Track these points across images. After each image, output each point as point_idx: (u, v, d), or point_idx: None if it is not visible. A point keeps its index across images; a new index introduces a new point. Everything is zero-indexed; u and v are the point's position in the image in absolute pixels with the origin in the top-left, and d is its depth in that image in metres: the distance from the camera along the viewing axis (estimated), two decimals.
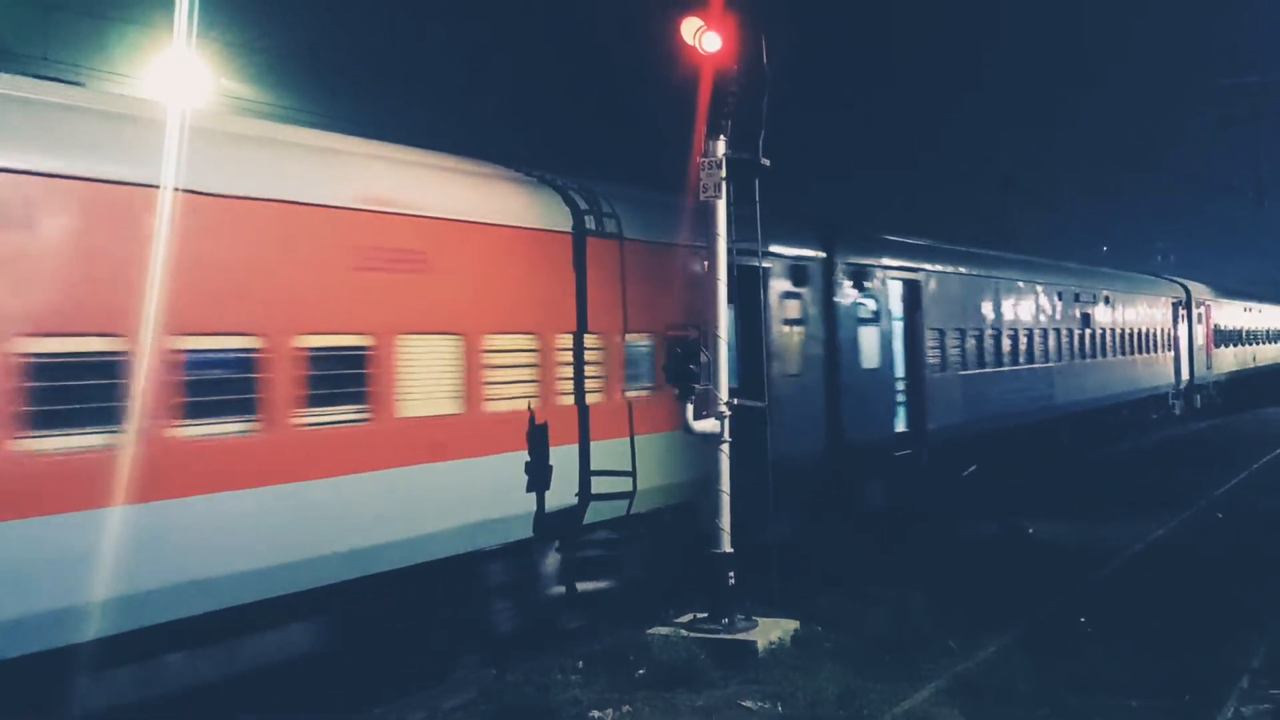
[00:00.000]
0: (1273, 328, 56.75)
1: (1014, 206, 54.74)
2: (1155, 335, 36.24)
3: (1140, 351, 34.68)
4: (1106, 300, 31.78)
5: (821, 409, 17.71)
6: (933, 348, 21.32)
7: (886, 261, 20.16)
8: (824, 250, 18.03)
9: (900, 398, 20.67)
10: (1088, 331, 30.19)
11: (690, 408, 12.24)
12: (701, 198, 12.48)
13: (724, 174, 12.40)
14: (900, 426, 20.37)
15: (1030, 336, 26.37)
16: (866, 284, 19.11)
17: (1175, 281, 40.99)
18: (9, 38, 21.34)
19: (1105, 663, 11.27)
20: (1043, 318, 27.20)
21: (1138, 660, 11.35)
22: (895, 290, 20.35)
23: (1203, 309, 41.45)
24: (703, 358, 12.20)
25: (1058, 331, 28.09)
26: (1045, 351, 27.21)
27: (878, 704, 10.17)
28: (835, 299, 18.19)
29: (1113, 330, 32.22)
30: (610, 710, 10.33)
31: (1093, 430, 30.66)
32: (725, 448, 12.36)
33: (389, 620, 10.66)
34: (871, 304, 19.43)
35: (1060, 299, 28.54)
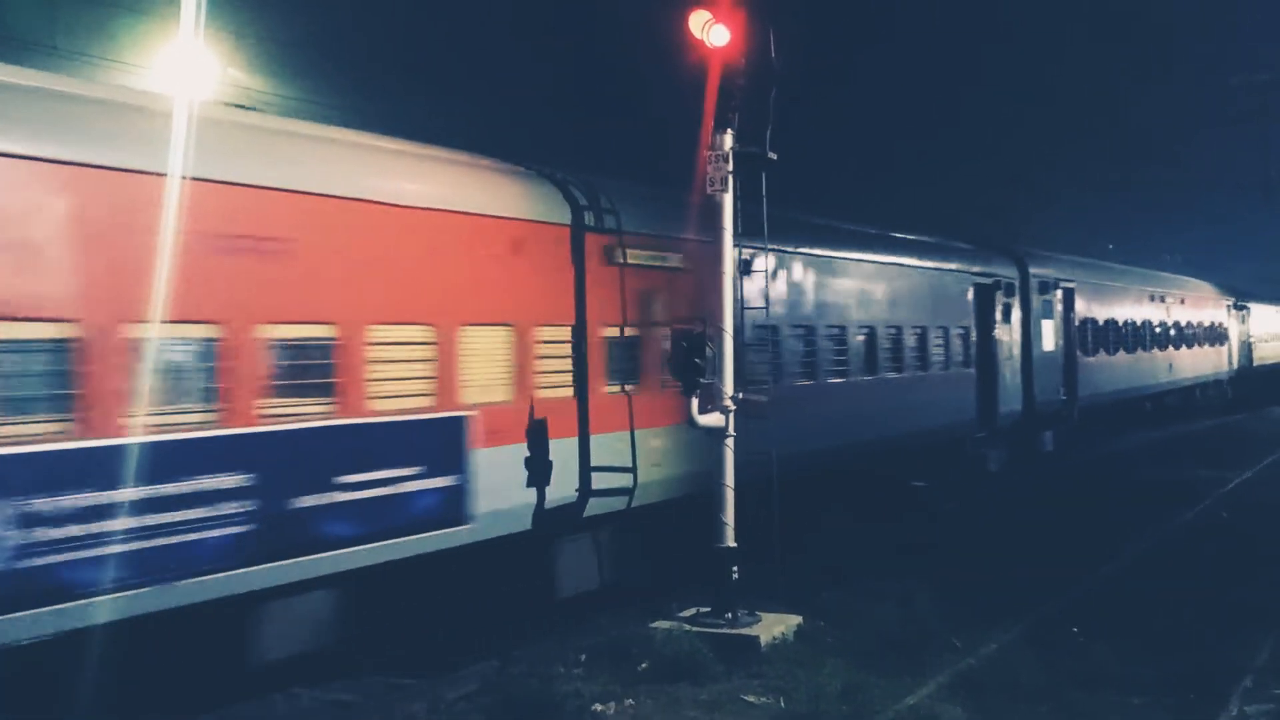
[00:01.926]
0: (1207, 322, 40.41)
1: (1019, 202, 54.85)
2: (926, 338, 20.68)
3: (882, 368, 19.17)
4: (792, 271, 16.89)
5: None
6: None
7: None
8: None
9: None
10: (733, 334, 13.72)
11: (695, 402, 12.25)
12: (708, 191, 12.45)
13: (730, 167, 12.37)
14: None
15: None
16: None
17: (1004, 252, 25.31)
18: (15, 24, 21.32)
19: (1109, 660, 11.26)
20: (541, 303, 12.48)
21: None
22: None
23: (1056, 296, 26.95)
24: (708, 352, 12.20)
25: (618, 342, 13.49)
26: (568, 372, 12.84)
27: (881, 699, 10.16)
28: None
29: (803, 328, 17.02)
30: (613, 703, 10.33)
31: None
32: (730, 442, 12.36)
33: None
34: None
35: (605, 258, 13.25)
